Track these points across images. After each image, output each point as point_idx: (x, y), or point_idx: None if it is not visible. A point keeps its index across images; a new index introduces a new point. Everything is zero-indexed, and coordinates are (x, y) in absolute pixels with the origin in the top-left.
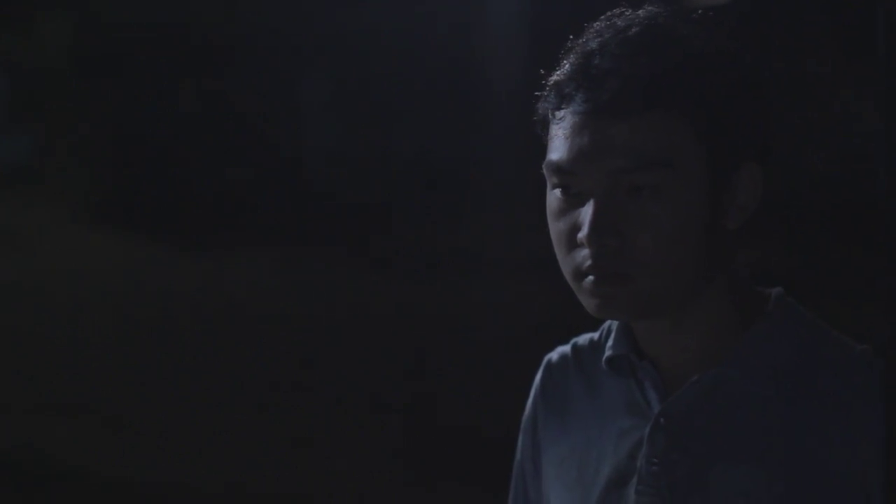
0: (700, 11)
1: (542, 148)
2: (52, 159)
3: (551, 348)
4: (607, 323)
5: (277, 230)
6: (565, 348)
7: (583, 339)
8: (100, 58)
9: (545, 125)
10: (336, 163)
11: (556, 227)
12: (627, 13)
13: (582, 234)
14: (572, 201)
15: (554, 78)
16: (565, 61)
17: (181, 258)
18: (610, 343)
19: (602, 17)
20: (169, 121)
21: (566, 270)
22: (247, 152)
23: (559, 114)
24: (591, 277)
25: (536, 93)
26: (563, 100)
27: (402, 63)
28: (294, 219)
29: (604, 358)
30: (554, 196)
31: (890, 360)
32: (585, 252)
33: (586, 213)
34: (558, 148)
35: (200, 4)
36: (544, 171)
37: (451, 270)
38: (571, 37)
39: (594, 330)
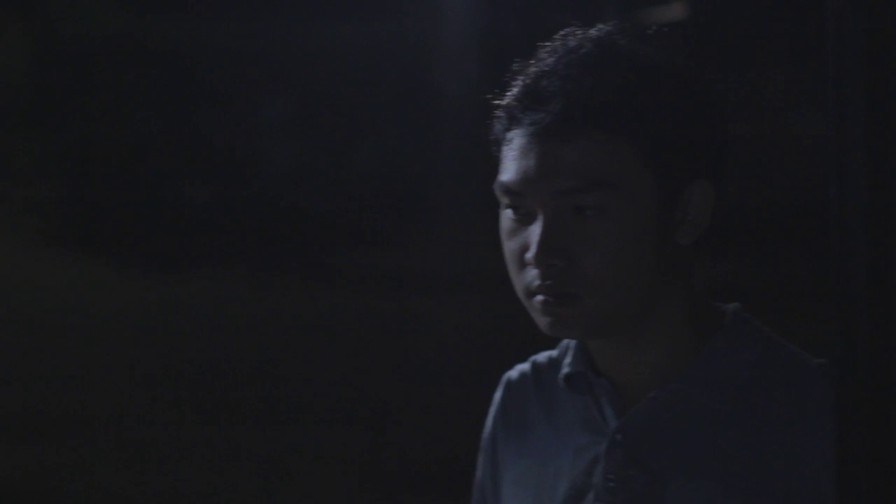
0: (653, 29)
1: (497, 167)
2: (4, 178)
3: (511, 366)
4: (566, 340)
5: (236, 247)
6: (524, 366)
7: (542, 356)
8: (57, 76)
9: (498, 145)
10: (296, 180)
11: (507, 247)
12: (579, 33)
13: (529, 255)
14: (522, 221)
15: (506, 99)
16: (516, 82)
17: (140, 277)
18: (567, 360)
19: (555, 36)
20: (128, 139)
21: (518, 289)
22: (208, 171)
23: (509, 135)
24: (540, 297)
25: (494, 113)
26: (512, 121)
27: (362, 82)
28: (253, 236)
29: (560, 375)
30: (505, 215)
31: (840, 371)
32: (535, 272)
33: (534, 233)
34: (508, 169)
35: (164, 25)
36: (495, 191)
37: (413, 287)
38: (517, 60)
39: (553, 348)
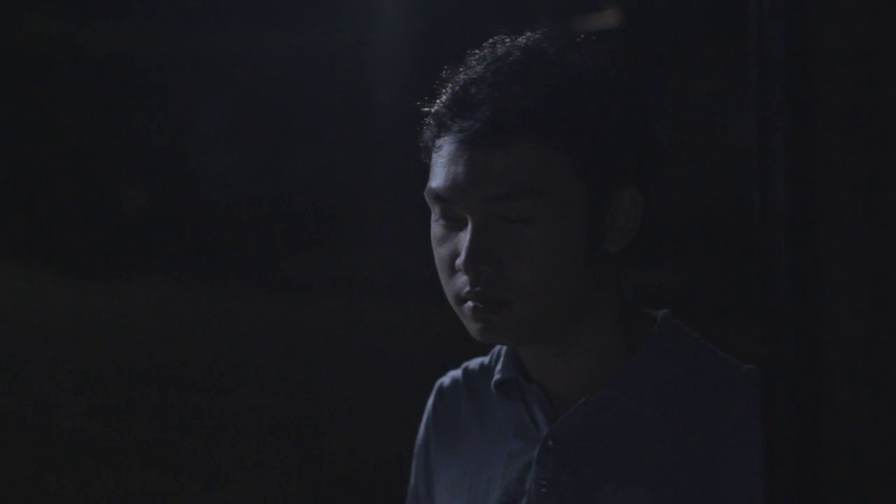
0: (582, 37)
1: (427, 174)
2: None
3: (443, 373)
4: (497, 347)
5: (174, 254)
6: (456, 373)
7: (473, 363)
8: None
9: (427, 152)
10: (233, 186)
11: (438, 254)
12: (507, 41)
13: (459, 262)
14: (452, 227)
15: (434, 106)
16: (445, 90)
17: (77, 284)
18: (499, 367)
19: (483, 44)
20: (63, 146)
21: (448, 295)
22: (145, 177)
23: (438, 142)
24: (470, 303)
25: (423, 120)
26: (441, 129)
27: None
28: (191, 243)
29: (492, 382)
30: (436, 223)
31: (766, 376)
32: (464, 278)
33: (463, 240)
34: (437, 176)
35: (100, 30)
36: (426, 198)
37: (345, 293)
38: (446, 67)
39: (485, 354)
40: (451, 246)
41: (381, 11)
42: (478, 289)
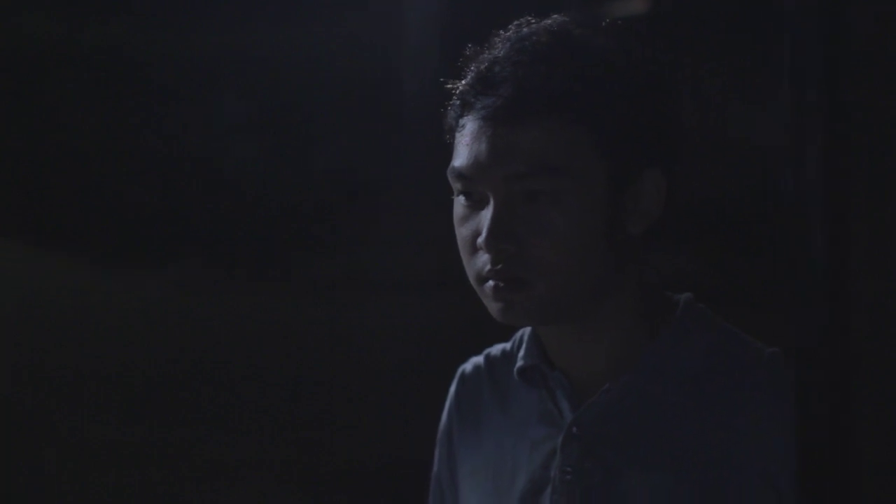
0: (608, 20)
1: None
2: None
3: (465, 359)
4: (519, 333)
5: (191, 249)
6: (478, 359)
7: (495, 349)
8: (9, 76)
9: (451, 132)
10: (254, 181)
11: (459, 233)
12: (534, 22)
13: (480, 240)
14: (474, 207)
15: (459, 86)
16: (469, 69)
17: (91, 274)
18: (521, 353)
19: (509, 26)
20: (79, 135)
21: (470, 275)
22: (161, 168)
23: (462, 121)
24: (491, 282)
25: (447, 102)
26: (465, 108)
27: (317, 81)
28: (206, 236)
29: (515, 368)
30: (458, 202)
31: (799, 360)
32: (486, 257)
33: (485, 218)
34: (460, 154)
35: (115, 18)
36: (448, 177)
37: (366, 282)
38: (469, 45)
39: (506, 341)
40: (473, 225)
41: (409, 2)
42: (499, 267)
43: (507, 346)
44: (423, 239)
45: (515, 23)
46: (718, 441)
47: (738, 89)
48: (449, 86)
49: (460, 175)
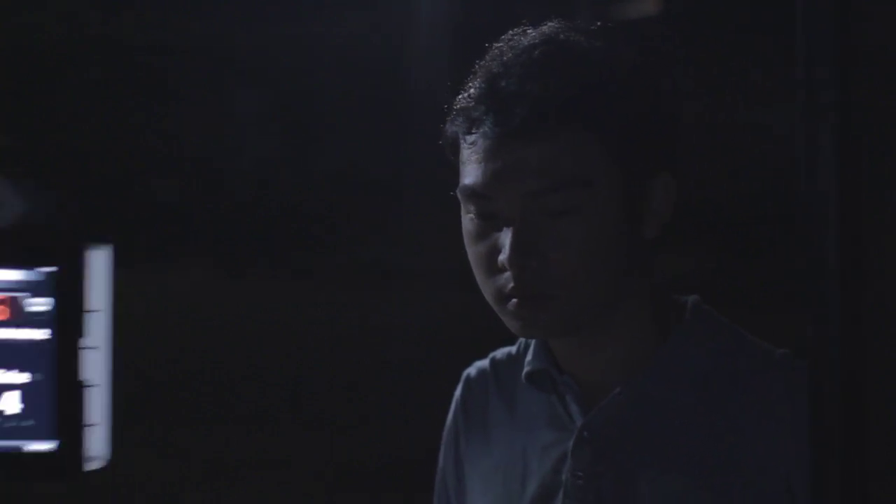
0: (598, 25)
1: (455, 171)
2: None
3: (469, 363)
4: None
5: (208, 245)
6: (483, 363)
7: (501, 353)
8: (21, 67)
9: (455, 148)
10: (266, 177)
11: (474, 251)
12: (530, 31)
13: (503, 257)
14: (489, 224)
15: (461, 101)
16: (471, 84)
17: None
18: (529, 358)
19: (503, 37)
20: (96, 136)
21: (487, 293)
22: (173, 165)
23: (470, 138)
24: (514, 300)
25: (447, 117)
26: (472, 124)
27: (330, 77)
28: (225, 234)
29: (524, 373)
30: (470, 220)
31: (811, 363)
32: (507, 275)
33: (506, 236)
34: (472, 172)
35: (134, 23)
36: (458, 195)
37: (372, 283)
38: (478, 62)
39: (513, 344)
40: (489, 243)
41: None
42: (523, 284)
43: (513, 349)
44: (425, 238)
45: (510, 32)
46: (730, 444)
47: (748, 91)
48: (450, 103)
49: (474, 193)
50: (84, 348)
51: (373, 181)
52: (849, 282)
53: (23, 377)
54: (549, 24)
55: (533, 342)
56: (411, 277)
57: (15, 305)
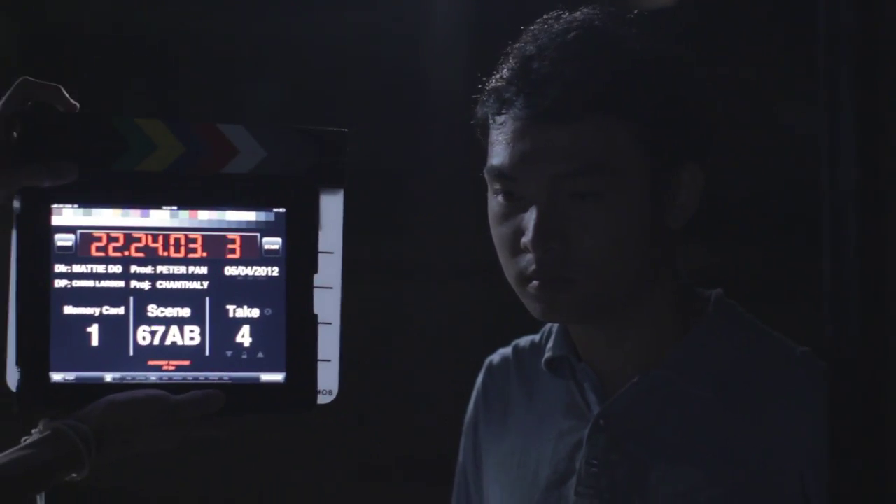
0: (634, 13)
1: (484, 152)
2: None
3: (493, 350)
4: (548, 325)
5: None
6: (506, 350)
7: (524, 341)
8: (43, 60)
9: (485, 129)
10: None
11: (498, 232)
12: (564, 16)
13: (526, 239)
14: (515, 206)
15: (493, 82)
16: (503, 65)
17: None
18: (550, 345)
19: (538, 20)
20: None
21: (510, 274)
22: None
23: (500, 118)
24: (535, 282)
25: (474, 96)
26: (503, 104)
27: (348, 70)
28: None
29: (543, 359)
30: (496, 201)
31: (833, 362)
32: (530, 257)
33: (530, 217)
34: (500, 153)
35: (151, 14)
36: (485, 175)
37: (395, 271)
38: (510, 42)
39: (535, 333)
40: (514, 224)
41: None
42: (545, 267)
43: (536, 337)
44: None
45: (545, 17)
46: (747, 438)
47: (772, 85)
48: (483, 82)
49: (501, 174)
50: (315, 287)
51: (392, 174)
52: (869, 280)
53: (255, 311)
54: (584, 9)
55: (554, 331)
56: (432, 266)
57: (249, 244)
